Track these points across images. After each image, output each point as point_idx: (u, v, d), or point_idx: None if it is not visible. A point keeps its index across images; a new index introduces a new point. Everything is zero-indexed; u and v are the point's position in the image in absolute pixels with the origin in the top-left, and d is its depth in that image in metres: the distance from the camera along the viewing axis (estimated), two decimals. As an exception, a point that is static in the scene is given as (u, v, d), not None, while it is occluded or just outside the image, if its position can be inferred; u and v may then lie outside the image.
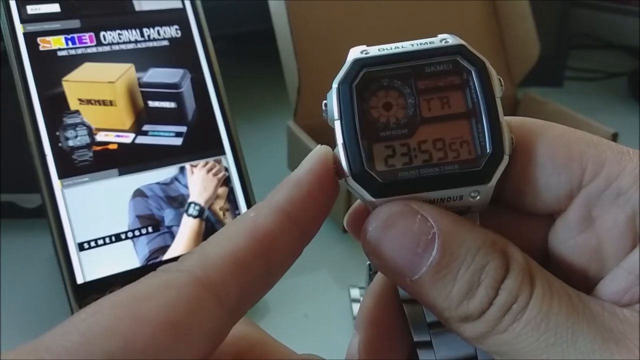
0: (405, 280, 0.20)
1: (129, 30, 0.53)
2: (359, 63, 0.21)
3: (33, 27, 0.50)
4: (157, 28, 0.54)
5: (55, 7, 0.51)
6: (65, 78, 0.50)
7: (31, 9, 0.50)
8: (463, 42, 0.21)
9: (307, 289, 0.54)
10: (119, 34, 0.52)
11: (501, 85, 0.21)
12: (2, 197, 0.60)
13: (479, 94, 0.21)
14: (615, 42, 1.08)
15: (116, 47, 0.52)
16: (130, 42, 0.53)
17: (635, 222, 0.20)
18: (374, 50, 0.21)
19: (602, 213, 0.20)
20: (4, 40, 0.49)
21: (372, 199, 0.20)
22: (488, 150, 0.20)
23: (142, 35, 0.53)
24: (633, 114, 0.92)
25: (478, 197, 0.20)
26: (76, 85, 0.50)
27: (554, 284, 0.20)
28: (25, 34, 0.49)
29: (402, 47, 0.21)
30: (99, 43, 0.52)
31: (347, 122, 0.21)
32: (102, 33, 0.52)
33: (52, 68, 0.50)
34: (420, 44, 0.21)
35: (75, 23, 0.51)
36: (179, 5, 0.55)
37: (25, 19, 0.50)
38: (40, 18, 0.50)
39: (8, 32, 0.49)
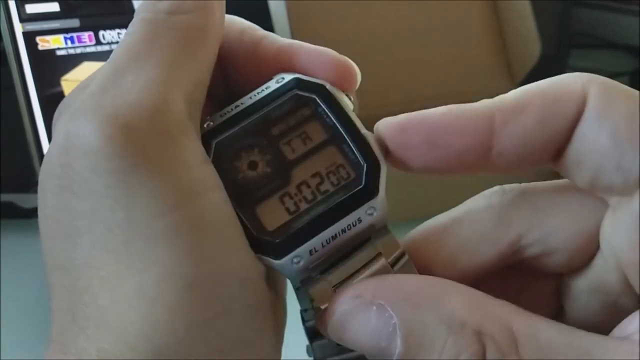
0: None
1: (129, 30, 0.53)
2: (205, 138, 0.20)
3: (32, 27, 0.50)
4: (156, 27, 0.54)
5: (54, 7, 0.51)
6: (64, 77, 0.50)
7: (30, 8, 0.50)
8: (297, 75, 0.21)
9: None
10: (118, 33, 0.52)
11: (350, 100, 0.21)
12: (2, 197, 0.60)
13: (331, 116, 0.20)
14: (617, 42, 1.07)
15: (115, 47, 0.52)
16: (129, 41, 0.53)
17: None
18: (217, 118, 0.21)
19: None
20: (3, 39, 0.49)
21: (278, 261, 0.19)
22: (363, 164, 0.20)
23: (141, 34, 0.53)
24: (634, 113, 0.92)
25: (375, 213, 0.20)
26: (75, 84, 0.50)
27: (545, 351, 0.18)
28: (24, 33, 0.49)
29: (242, 103, 0.21)
30: (98, 42, 0.52)
31: None
32: (101, 32, 0.52)
33: (51, 67, 0.50)
34: (258, 93, 0.21)
35: (74, 22, 0.51)
36: (178, 4, 0.55)
37: (24, 18, 0.50)
38: (39, 17, 0.50)
39: (7, 31, 0.49)
